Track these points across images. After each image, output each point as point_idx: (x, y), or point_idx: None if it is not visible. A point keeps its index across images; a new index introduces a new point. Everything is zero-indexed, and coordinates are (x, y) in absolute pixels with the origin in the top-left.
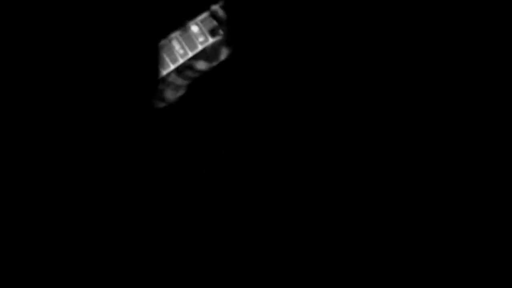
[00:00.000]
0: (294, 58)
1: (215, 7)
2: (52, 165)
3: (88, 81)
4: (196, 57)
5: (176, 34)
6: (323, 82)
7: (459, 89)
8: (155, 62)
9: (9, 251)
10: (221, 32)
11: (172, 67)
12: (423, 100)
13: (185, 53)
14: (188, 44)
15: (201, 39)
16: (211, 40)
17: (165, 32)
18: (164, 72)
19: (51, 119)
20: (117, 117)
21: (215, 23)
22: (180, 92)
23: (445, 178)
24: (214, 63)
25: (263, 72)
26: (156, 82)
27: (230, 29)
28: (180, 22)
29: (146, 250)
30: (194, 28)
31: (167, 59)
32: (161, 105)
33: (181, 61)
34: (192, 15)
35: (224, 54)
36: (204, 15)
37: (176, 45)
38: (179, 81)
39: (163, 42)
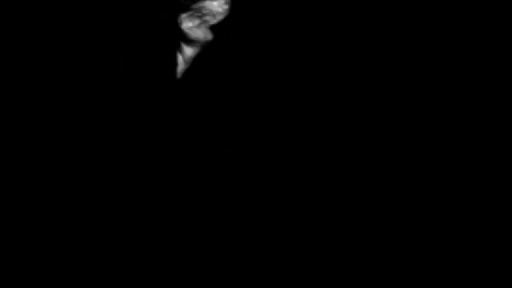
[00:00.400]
0: (294, 58)
1: None
2: (51, 162)
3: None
4: None
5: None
6: (324, 82)
7: (459, 89)
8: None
9: (9, 251)
10: None
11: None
12: (423, 100)
13: None
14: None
15: None
16: None
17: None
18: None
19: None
20: (120, 115)
21: None
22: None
23: (445, 178)
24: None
25: (264, 72)
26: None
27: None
28: None
29: (146, 250)
30: None
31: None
32: (182, 65)
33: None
34: None
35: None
36: None
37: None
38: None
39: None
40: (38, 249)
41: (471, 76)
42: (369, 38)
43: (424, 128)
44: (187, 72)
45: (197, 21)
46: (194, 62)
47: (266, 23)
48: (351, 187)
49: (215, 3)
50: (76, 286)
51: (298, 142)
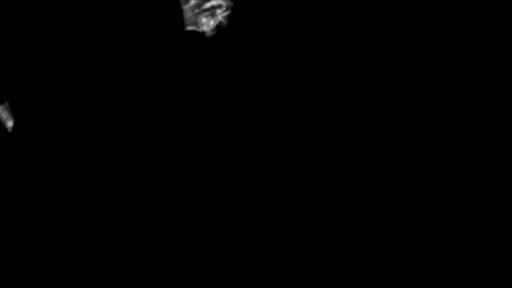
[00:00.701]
0: (294, 58)
1: None
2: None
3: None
4: None
5: None
6: (323, 82)
7: (459, 89)
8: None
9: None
10: None
11: None
12: (423, 100)
13: None
14: None
15: None
16: None
17: None
18: None
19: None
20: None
21: None
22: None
23: (445, 178)
24: None
25: (263, 72)
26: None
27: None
28: None
29: (146, 249)
30: None
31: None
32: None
33: None
34: None
35: None
36: None
37: None
38: None
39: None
40: (38, 248)
41: (471, 76)
42: (368, 37)
43: (422, 129)
44: (187, 71)
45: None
46: (194, 61)
47: (266, 23)
48: (350, 187)
49: None
50: (76, 286)
51: (298, 142)
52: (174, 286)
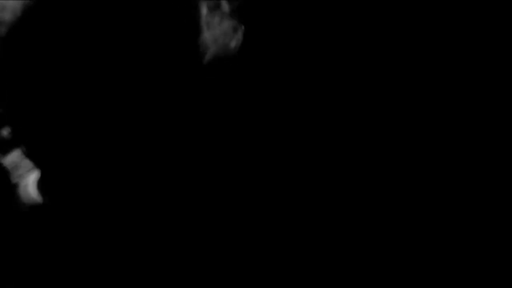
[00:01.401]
0: (294, 59)
1: None
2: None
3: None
4: None
5: None
6: (324, 82)
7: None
8: None
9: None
10: None
11: None
12: (423, 100)
13: None
14: None
15: None
16: None
17: None
18: None
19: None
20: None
21: None
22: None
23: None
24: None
25: (263, 72)
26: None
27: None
28: None
29: (146, 250)
30: None
31: None
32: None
33: None
34: None
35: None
36: None
37: None
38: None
39: None
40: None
41: (471, 76)
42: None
43: (426, 130)
44: (186, 70)
45: None
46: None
47: (268, 24)
48: (352, 189)
49: None
50: (76, 286)
51: (299, 142)
52: (174, 286)
